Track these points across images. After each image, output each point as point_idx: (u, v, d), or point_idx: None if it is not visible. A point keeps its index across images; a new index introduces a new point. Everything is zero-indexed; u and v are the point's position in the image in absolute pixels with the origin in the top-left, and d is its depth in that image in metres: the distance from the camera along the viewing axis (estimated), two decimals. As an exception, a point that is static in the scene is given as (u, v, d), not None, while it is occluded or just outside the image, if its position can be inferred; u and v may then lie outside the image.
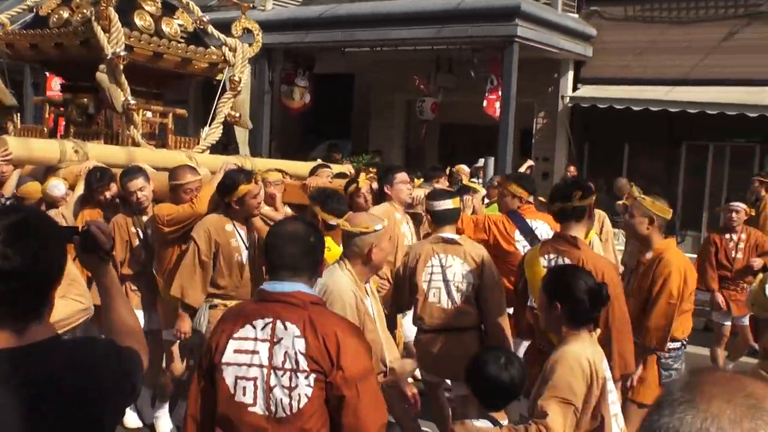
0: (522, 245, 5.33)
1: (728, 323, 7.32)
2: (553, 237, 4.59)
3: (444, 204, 5.00)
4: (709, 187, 13.53)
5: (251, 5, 8.38)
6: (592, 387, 3.11)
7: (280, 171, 6.42)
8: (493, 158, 13.16)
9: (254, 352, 2.73)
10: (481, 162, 12.76)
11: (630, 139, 13.92)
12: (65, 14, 6.75)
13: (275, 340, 2.72)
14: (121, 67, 6.27)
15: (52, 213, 5.38)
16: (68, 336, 3.17)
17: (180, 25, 7.24)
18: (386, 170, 6.15)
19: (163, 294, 5.26)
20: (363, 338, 2.95)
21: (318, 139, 16.80)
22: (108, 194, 5.45)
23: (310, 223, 3.23)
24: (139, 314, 5.02)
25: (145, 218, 5.43)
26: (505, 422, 3.40)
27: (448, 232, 4.91)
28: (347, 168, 8.26)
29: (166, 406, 5.58)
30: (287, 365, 2.68)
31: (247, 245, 5.05)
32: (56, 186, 5.59)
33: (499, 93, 12.74)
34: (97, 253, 2.13)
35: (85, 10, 6.48)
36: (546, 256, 4.31)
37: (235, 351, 2.76)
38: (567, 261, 4.15)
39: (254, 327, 2.76)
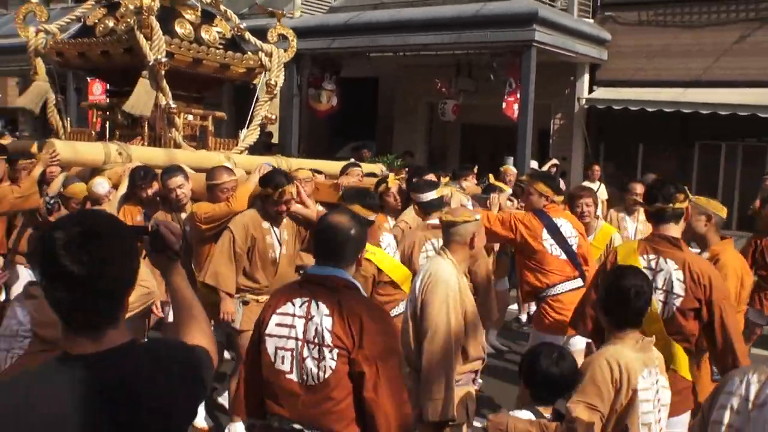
0: (549, 243, 5.35)
1: (762, 323, 7.27)
2: (651, 237, 4.24)
3: (429, 195, 5.38)
4: (721, 186, 13.60)
5: (285, 13, 8.59)
6: (619, 394, 3.10)
7: (313, 170, 6.56)
8: (512, 158, 13.49)
9: (292, 326, 3.03)
10: (533, 164, 12.63)
11: (644, 139, 14.09)
12: (110, 23, 6.91)
13: (309, 316, 3.00)
14: (163, 72, 6.39)
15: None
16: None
17: (218, 33, 7.36)
18: (413, 173, 6.18)
19: (199, 287, 5.15)
20: (388, 322, 3.12)
21: (344, 140, 16.97)
22: (150, 191, 5.54)
23: (355, 216, 3.43)
24: None
25: (183, 215, 5.49)
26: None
27: (435, 219, 5.10)
28: (378, 167, 8.36)
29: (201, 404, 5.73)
30: (316, 340, 2.95)
31: (281, 243, 5.13)
32: (100, 184, 5.72)
33: (518, 95, 12.92)
34: (166, 253, 2.14)
35: (129, 20, 6.59)
36: (645, 256, 4.09)
37: (277, 324, 3.06)
38: (670, 262, 3.95)
39: (293, 304, 3.06)
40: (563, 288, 5.34)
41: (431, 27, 13.26)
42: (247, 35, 7.66)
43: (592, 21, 14.59)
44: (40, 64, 7.10)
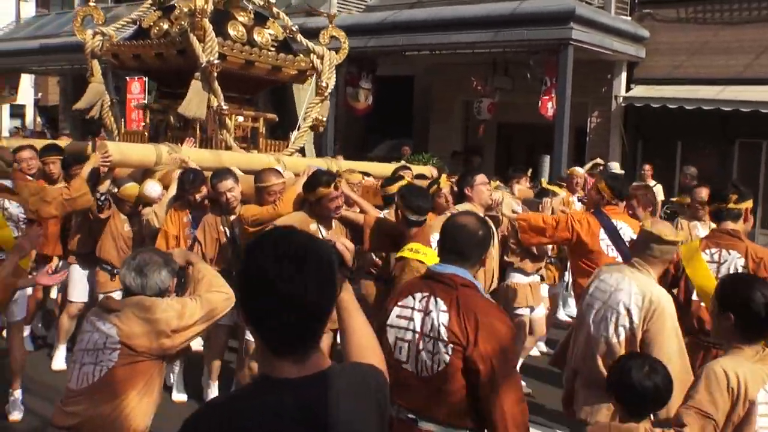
0: (605, 244, 5.27)
1: None
2: (712, 233, 4.59)
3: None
4: (762, 185, 13.51)
5: (335, 14, 8.60)
6: (736, 406, 2.98)
7: (362, 173, 6.49)
8: (548, 156, 13.50)
9: (411, 318, 3.14)
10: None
11: (683, 137, 14.01)
12: (165, 26, 6.92)
13: (427, 311, 3.10)
14: (215, 74, 6.38)
15: (146, 211, 5.74)
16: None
17: (271, 35, 7.33)
18: (466, 172, 6.08)
19: None
20: (505, 322, 3.14)
21: (380, 138, 17.12)
22: (198, 196, 5.57)
23: (482, 218, 3.52)
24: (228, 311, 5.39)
25: (232, 218, 5.49)
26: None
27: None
28: (428, 169, 8.29)
29: None
30: (432, 334, 3.04)
31: None
32: (152, 187, 5.79)
33: (553, 94, 12.94)
34: (341, 270, 2.04)
35: (182, 22, 6.59)
36: (708, 251, 4.41)
37: (397, 316, 3.20)
38: (733, 252, 4.24)
39: (414, 298, 3.17)
40: None
41: (468, 25, 13.27)
42: (299, 37, 7.65)
43: (629, 18, 14.51)
44: (96, 65, 7.16)
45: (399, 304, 3.21)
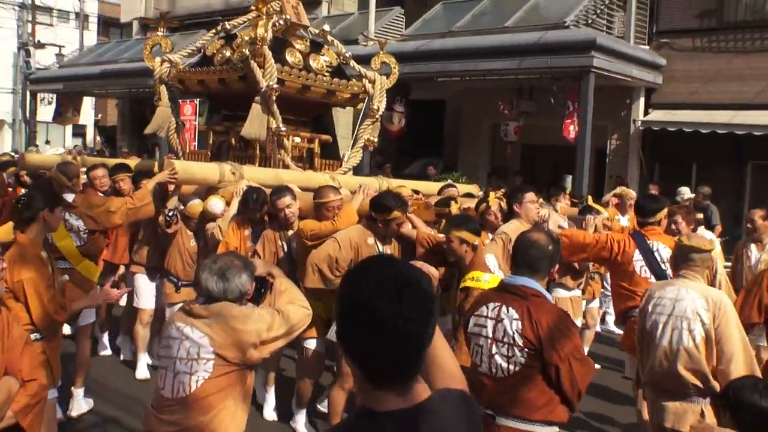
0: (639, 265, 5.13)
1: None
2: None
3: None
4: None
5: (387, 41, 8.41)
6: None
7: (414, 190, 6.47)
8: (570, 176, 13.52)
9: (484, 326, 3.31)
10: (684, 191, 11.79)
11: (698, 159, 13.94)
12: (227, 53, 6.96)
13: (499, 319, 3.25)
14: (274, 98, 6.41)
15: (210, 226, 5.76)
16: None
17: (325, 61, 7.33)
18: (515, 190, 6.02)
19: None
20: (570, 323, 3.34)
21: (412, 159, 17.18)
22: (259, 214, 5.54)
23: (550, 234, 3.63)
24: None
25: (290, 232, 5.42)
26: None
27: None
28: (474, 188, 8.19)
29: (304, 411, 5.49)
30: (506, 339, 3.21)
31: None
32: (216, 204, 5.73)
33: (575, 117, 12.90)
34: None
35: (244, 49, 6.65)
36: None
37: (474, 325, 3.37)
38: None
39: (487, 308, 3.33)
40: None
41: (495, 54, 13.34)
42: (352, 63, 7.64)
43: (647, 47, 14.53)
44: (163, 90, 7.20)
45: (475, 314, 3.38)
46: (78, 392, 5.68)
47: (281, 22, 6.80)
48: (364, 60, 8.42)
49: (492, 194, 5.96)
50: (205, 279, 3.20)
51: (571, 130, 13.06)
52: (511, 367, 3.20)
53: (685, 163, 14.19)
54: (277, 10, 6.94)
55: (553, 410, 3.22)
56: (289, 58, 6.91)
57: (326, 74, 7.21)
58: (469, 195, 6.98)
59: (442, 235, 4.99)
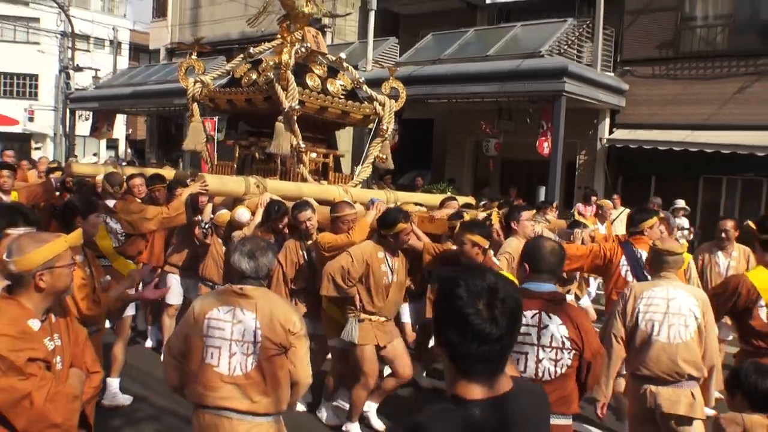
0: (624, 269, 4.95)
1: None
2: None
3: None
4: (722, 212, 13.15)
5: (395, 68, 8.17)
6: None
7: (416, 203, 6.20)
8: (544, 187, 13.25)
9: (527, 334, 3.01)
10: (680, 203, 11.30)
11: (656, 173, 13.73)
12: (254, 76, 6.72)
13: (542, 326, 3.01)
14: (295, 117, 6.20)
15: (236, 234, 5.44)
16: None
17: (341, 85, 7.12)
18: (513, 209, 5.81)
19: (326, 308, 5.02)
20: (591, 322, 3.18)
21: (405, 170, 16.86)
22: (281, 225, 5.34)
23: (557, 242, 3.38)
24: (306, 322, 4.98)
25: (309, 243, 5.20)
26: None
27: None
28: (470, 199, 7.98)
29: (329, 403, 5.26)
30: (554, 344, 2.99)
31: (393, 271, 4.75)
32: (243, 214, 5.56)
33: (548, 135, 12.69)
34: None
35: (269, 73, 6.45)
36: None
37: None
38: None
39: (525, 317, 2.99)
40: None
41: (479, 79, 13.12)
42: (365, 87, 7.40)
43: (612, 74, 14.31)
44: (195, 108, 6.92)
45: None
46: (113, 382, 5.34)
47: (303, 49, 6.58)
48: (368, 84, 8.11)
49: (495, 213, 5.68)
50: (239, 260, 3.10)
51: (545, 146, 12.84)
52: (559, 369, 3.01)
53: (645, 177, 13.99)
54: (299, 38, 6.69)
55: (577, 401, 3.13)
56: (309, 81, 6.67)
57: (341, 97, 6.96)
58: (468, 205, 6.79)
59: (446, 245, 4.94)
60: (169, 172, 7.49)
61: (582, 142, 14.75)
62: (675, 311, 3.79)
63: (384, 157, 7.43)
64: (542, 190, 13.44)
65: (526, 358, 3.03)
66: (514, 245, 5.17)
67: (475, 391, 1.55)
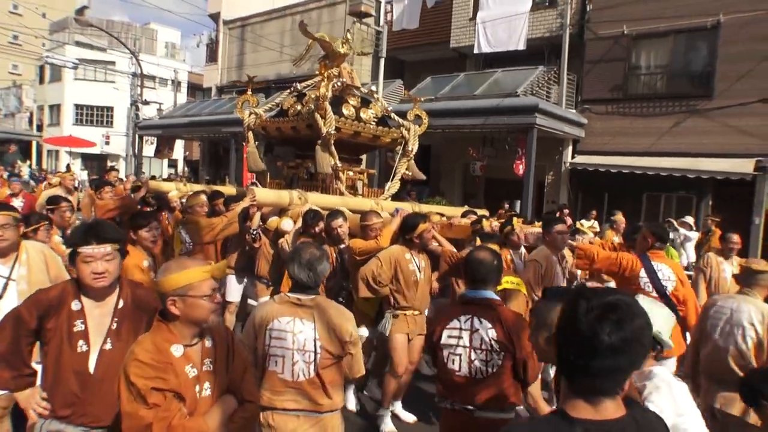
0: (644, 282, 4.37)
1: None
2: None
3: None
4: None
5: (420, 99, 7.65)
6: None
7: (439, 213, 5.88)
8: (519, 201, 13.14)
9: (460, 337, 2.73)
10: (688, 219, 10.48)
11: (609, 191, 13.61)
12: (298, 107, 6.51)
13: (474, 329, 2.71)
14: (332, 141, 5.98)
15: (281, 240, 5.13)
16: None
17: (372, 113, 6.85)
18: (549, 220, 5.15)
19: (357, 303, 4.68)
20: (526, 323, 2.77)
21: (407, 187, 16.84)
22: (317, 229, 4.95)
23: (494, 251, 3.06)
24: None
25: (341, 246, 4.87)
26: None
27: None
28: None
29: (352, 388, 4.89)
30: (483, 346, 2.68)
31: (420, 269, 4.41)
32: (287, 223, 5.26)
33: (523, 159, 12.61)
34: None
35: (311, 105, 6.23)
36: None
37: (448, 336, 2.75)
38: None
39: (459, 321, 2.74)
40: None
41: (468, 114, 13.01)
42: (393, 115, 7.08)
43: (574, 111, 14.18)
44: (250, 135, 6.63)
45: (447, 327, 2.77)
46: None
47: (339, 83, 6.34)
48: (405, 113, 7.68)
49: (515, 219, 5.26)
50: (297, 272, 2.69)
51: (520, 168, 12.74)
52: (490, 369, 2.68)
53: (600, 194, 13.85)
54: (336, 74, 6.45)
55: (517, 394, 2.76)
56: (344, 111, 6.38)
57: (372, 123, 6.71)
58: (483, 217, 6.19)
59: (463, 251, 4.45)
60: (229, 189, 7.12)
61: (550, 165, 14.62)
62: (737, 322, 3.44)
63: (410, 173, 7.07)
64: (518, 204, 13.34)
65: (459, 359, 2.73)
66: (542, 254, 4.74)
67: (583, 411, 1.28)
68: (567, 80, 13.84)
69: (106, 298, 2.44)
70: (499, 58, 15.21)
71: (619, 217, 9.25)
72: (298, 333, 2.65)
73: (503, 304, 2.84)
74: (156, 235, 3.92)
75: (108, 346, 2.39)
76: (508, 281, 3.89)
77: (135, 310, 2.48)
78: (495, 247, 4.00)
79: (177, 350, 2.04)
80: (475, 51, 15.03)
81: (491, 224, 5.22)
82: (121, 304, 2.46)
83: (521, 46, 14.17)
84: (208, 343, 2.14)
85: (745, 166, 11.63)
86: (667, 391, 2.05)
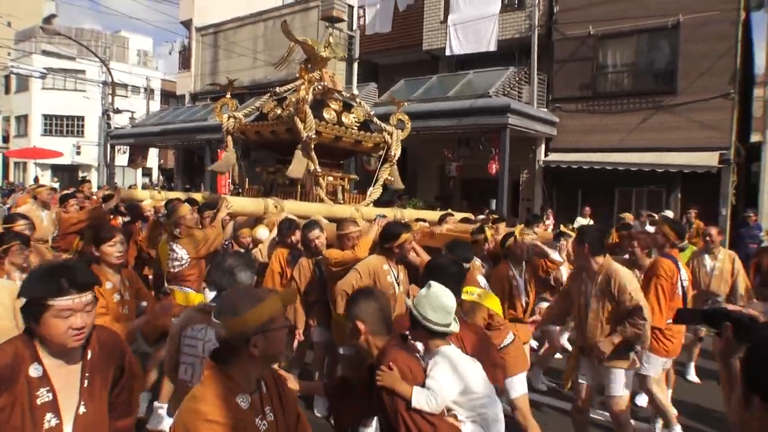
0: (679, 285, 4.05)
1: None
2: None
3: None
4: (633, 215, 13.25)
5: (403, 102, 7.47)
6: None
7: (419, 219, 5.70)
8: (494, 200, 13.28)
9: None
10: (668, 213, 10.51)
11: (582, 187, 13.80)
12: (278, 111, 6.34)
13: None
14: (312, 146, 5.80)
15: (255, 251, 4.87)
16: None
17: (354, 117, 6.65)
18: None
19: (335, 318, 4.32)
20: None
21: (384, 189, 16.81)
22: (293, 238, 4.66)
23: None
24: (320, 331, 4.51)
25: (318, 258, 4.54)
26: None
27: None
28: (468, 214, 7.29)
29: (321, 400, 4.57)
30: None
31: (398, 281, 4.09)
32: (262, 232, 5.05)
33: (497, 159, 12.70)
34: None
35: (291, 108, 6.03)
36: None
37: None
38: None
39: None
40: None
41: (441, 115, 13.08)
42: (375, 119, 6.89)
43: (546, 110, 14.37)
44: (229, 140, 6.45)
45: None
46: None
47: (320, 87, 6.21)
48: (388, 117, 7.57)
49: (517, 228, 4.51)
50: (218, 277, 2.53)
51: (494, 168, 12.84)
52: None
53: (574, 190, 14.02)
54: (318, 78, 6.33)
55: None
56: (325, 115, 6.28)
57: (354, 128, 6.51)
58: (466, 220, 6.12)
59: None
60: (198, 196, 6.84)
61: (524, 164, 14.75)
62: None
63: (392, 179, 6.85)
64: (493, 203, 13.47)
65: None
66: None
67: None
68: (537, 80, 14.03)
69: (72, 352, 1.88)
70: (471, 60, 15.35)
71: (628, 215, 9.15)
72: (207, 341, 2.41)
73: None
74: (122, 250, 3.45)
75: (82, 410, 1.87)
76: (467, 291, 3.52)
77: (103, 358, 1.96)
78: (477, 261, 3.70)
79: (244, 401, 1.72)
80: (447, 53, 15.18)
81: (493, 234, 4.84)
82: (89, 354, 1.92)
83: (492, 48, 14.36)
84: (264, 387, 1.84)
85: (710, 159, 11.98)
86: (447, 366, 2.13)
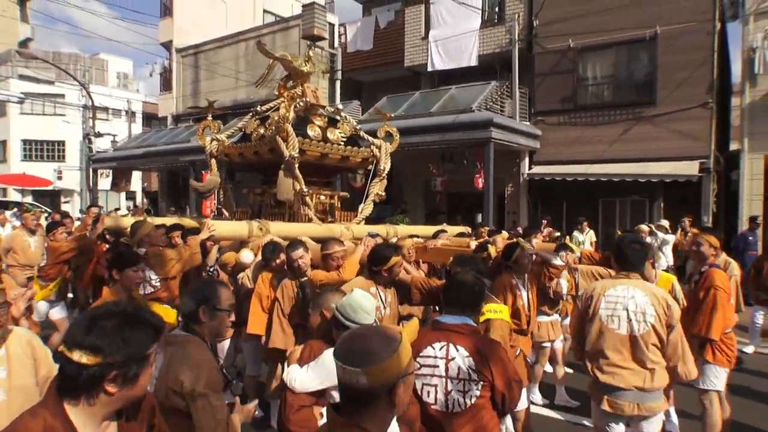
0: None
1: None
2: None
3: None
4: (618, 226, 13.36)
5: (390, 115, 7.28)
6: None
7: (412, 235, 5.50)
8: (480, 213, 13.29)
9: (435, 366, 2.47)
10: (664, 222, 10.59)
11: (566, 198, 13.87)
12: (261, 130, 6.15)
13: (450, 358, 2.46)
14: (296, 164, 5.59)
15: (241, 275, 4.80)
16: None
17: (340, 133, 6.44)
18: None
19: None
20: (505, 351, 2.58)
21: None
22: (278, 261, 4.49)
23: (478, 276, 2.78)
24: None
25: (303, 279, 4.33)
26: None
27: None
28: (464, 228, 7.14)
29: None
30: (461, 376, 2.42)
31: (385, 305, 3.85)
32: (247, 256, 4.89)
33: (482, 173, 12.76)
34: None
35: (274, 127, 5.82)
36: None
37: (422, 365, 2.48)
38: None
39: (434, 348, 2.49)
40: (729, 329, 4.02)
41: (425, 131, 13.08)
42: (362, 133, 6.65)
43: (528, 123, 14.46)
44: (213, 163, 6.30)
45: (420, 355, 2.47)
46: None
47: (302, 103, 6.06)
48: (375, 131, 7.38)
49: (521, 240, 4.51)
50: (186, 303, 2.40)
51: (480, 182, 12.88)
52: (468, 400, 2.40)
53: (558, 202, 14.08)
54: (300, 94, 6.18)
55: (497, 427, 2.49)
56: (310, 132, 6.10)
57: (341, 143, 6.31)
58: (462, 234, 6.05)
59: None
60: (190, 222, 6.67)
61: (508, 177, 14.80)
62: None
63: (383, 194, 6.68)
64: (479, 216, 13.46)
65: (435, 390, 2.45)
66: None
67: None
68: (519, 94, 14.14)
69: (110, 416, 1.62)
70: (453, 75, 15.44)
71: (642, 227, 8.96)
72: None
73: (479, 330, 2.62)
74: (142, 277, 3.59)
75: None
76: (489, 310, 3.44)
77: (137, 419, 1.70)
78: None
79: None
80: (429, 69, 15.27)
81: (497, 249, 4.69)
82: (124, 417, 1.63)
83: (473, 62, 14.47)
84: None
85: (691, 168, 12.12)
86: (324, 362, 2.54)
